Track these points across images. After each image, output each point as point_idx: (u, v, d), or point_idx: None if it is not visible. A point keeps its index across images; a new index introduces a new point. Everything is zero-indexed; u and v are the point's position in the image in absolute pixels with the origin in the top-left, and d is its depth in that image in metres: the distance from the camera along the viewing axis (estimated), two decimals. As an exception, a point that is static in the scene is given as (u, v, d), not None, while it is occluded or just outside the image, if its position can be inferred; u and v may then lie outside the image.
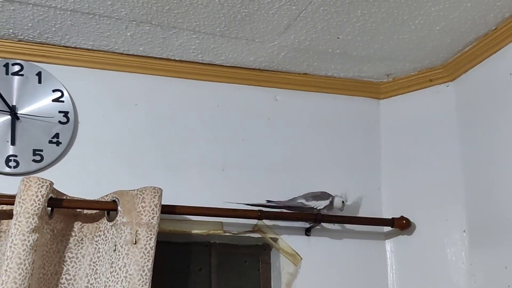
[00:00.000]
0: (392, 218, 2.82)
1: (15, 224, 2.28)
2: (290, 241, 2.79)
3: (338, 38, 2.65)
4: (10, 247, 2.26)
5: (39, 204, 2.31)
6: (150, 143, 2.75)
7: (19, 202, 2.30)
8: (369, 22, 2.54)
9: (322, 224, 2.80)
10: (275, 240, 2.79)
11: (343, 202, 2.76)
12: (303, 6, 2.43)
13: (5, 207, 2.39)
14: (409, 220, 2.83)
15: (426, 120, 2.93)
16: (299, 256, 2.78)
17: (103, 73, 2.76)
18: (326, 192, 2.77)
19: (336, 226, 2.84)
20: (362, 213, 2.87)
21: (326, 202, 2.73)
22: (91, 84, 2.73)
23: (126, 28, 2.57)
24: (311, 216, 2.75)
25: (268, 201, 2.73)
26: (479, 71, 2.74)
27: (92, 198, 2.50)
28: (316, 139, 2.96)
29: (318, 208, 2.72)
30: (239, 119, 2.89)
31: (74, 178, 2.61)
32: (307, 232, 2.82)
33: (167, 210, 2.51)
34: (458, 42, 2.69)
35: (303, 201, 2.73)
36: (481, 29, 2.60)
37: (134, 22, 2.52)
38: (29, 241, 2.27)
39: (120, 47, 2.70)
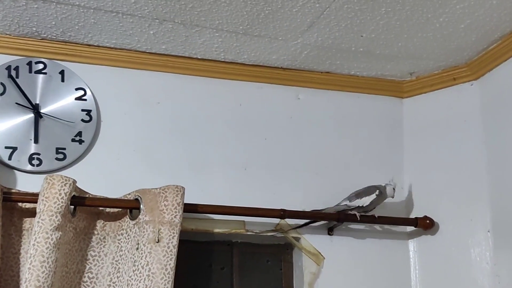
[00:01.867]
0: (416, 217, 2.81)
1: (38, 222, 2.29)
2: (312, 240, 2.78)
3: (362, 36, 2.63)
4: (34, 245, 2.26)
5: (62, 202, 2.31)
6: (172, 142, 2.75)
7: (42, 200, 2.31)
8: (393, 20, 2.52)
9: (345, 223, 2.78)
10: (297, 239, 2.78)
11: (393, 189, 2.74)
12: (327, 4, 2.41)
13: (28, 205, 2.40)
14: (432, 220, 2.80)
15: (450, 119, 2.91)
16: (322, 255, 2.77)
17: (125, 71, 2.76)
18: (370, 186, 2.74)
19: (359, 226, 2.83)
20: (385, 213, 2.84)
21: (372, 197, 2.70)
22: (113, 83, 2.74)
23: (149, 26, 2.56)
24: (334, 215, 2.73)
25: (315, 210, 2.73)
26: (504, 70, 2.71)
27: (114, 197, 2.50)
28: (339, 138, 2.95)
29: (364, 205, 2.70)
30: (262, 118, 2.88)
31: (97, 176, 2.61)
32: (330, 231, 2.81)
33: (189, 208, 2.51)
34: (483, 40, 2.67)
35: (347, 202, 2.71)
36: (507, 27, 2.58)
37: (157, 20, 2.52)
38: (52, 239, 2.28)
39: (142, 45, 2.70)
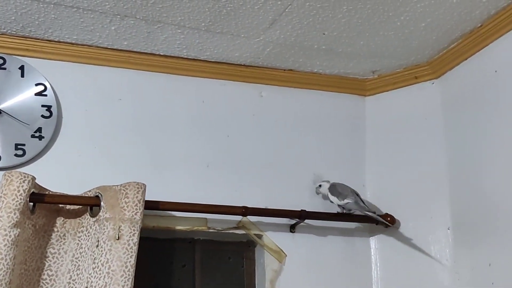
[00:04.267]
0: (377, 215, 2.82)
1: (-4, 219, 2.26)
2: (274, 237, 2.78)
3: (324, 34, 2.64)
4: (-9, 242, 2.24)
5: (20, 199, 2.29)
6: (134, 138, 2.74)
7: (0, 197, 2.28)
8: (355, 18, 2.53)
9: (306, 220, 2.79)
10: (260, 236, 2.78)
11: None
12: (288, 2, 2.41)
13: (-14, 202, 2.37)
14: (393, 217, 2.82)
15: (411, 117, 2.93)
16: (284, 252, 2.77)
17: (87, 67, 2.74)
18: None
19: (321, 223, 2.83)
20: (346, 210, 2.86)
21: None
22: (74, 78, 2.71)
23: (110, 22, 2.55)
24: (295, 212, 2.74)
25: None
26: (465, 68, 2.74)
27: (75, 194, 2.47)
28: (301, 136, 2.95)
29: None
30: (224, 115, 2.88)
31: (57, 173, 2.59)
32: (292, 228, 2.81)
33: (150, 205, 2.49)
34: (443, 39, 2.69)
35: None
36: (467, 26, 2.60)
37: (119, 16, 2.50)
38: (10, 236, 2.25)
39: (104, 41, 2.68)
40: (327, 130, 2.99)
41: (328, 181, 2.81)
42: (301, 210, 2.74)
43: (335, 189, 2.77)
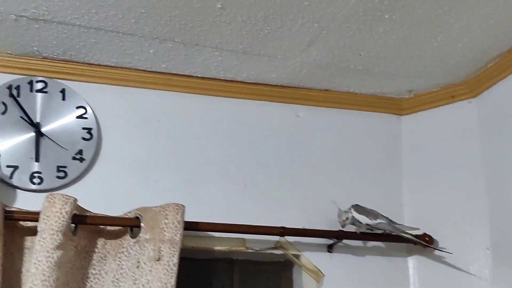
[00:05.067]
0: (415, 235, 2.81)
1: (39, 241, 2.29)
2: (312, 257, 2.79)
3: (360, 55, 2.65)
4: (35, 263, 2.27)
5: (63, 221, 2.32)
6: (172, 160, 2.76)
7: (44, 219, 2.32)
8: (392, 39, 2.54)
9: (344, 240, 2.79)
10: (297, 256, 2.78)
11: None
12: (325, 23, 2.43)
13: (29, 223, 2.40)
14: (431, 237, 2.81)
15: (448, 137, 2.92)
16: (321, 273, 2.77)
17: (126, 90, 2.78)
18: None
19: (358, 243, 2.83)
20: (384, 230, 2.86)
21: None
22: (114, 101, 2.75)
23: (149, 46, 2.58)
24: (333, 232, 2.74)
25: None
26: (502, 88, 2.73)
27: (115, 215, 2.51)
28: (338, 156, 2.96)
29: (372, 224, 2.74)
30: (261, 136, 2.89)
31: (97, 194, 2.62)
32: (329, 248, 2.82)
33: (189, 226, 2.51)
34: (480, 58, 2.69)
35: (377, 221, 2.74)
36: (504, 45, 2.60)
37: (157, 40, 2.54)
38: (53, 257, 2.28)
39: (143, 64, 2.72)
40: (363, 149, 3.00)
41: (348, 210, 2.76)
42: (339, 230, 2.74)
43: (361, 208, 2.75)
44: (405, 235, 2.74)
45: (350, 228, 2.77)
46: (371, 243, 2.85)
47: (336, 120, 3.00)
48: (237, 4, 2.32)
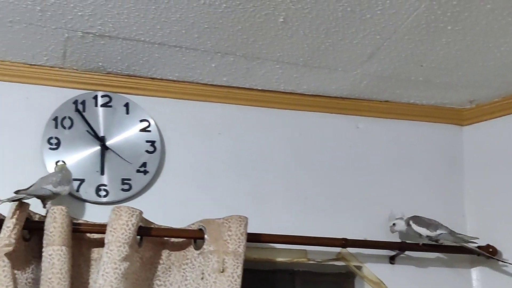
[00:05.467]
0: (478, 246, 2.78)
1: (106, 252, 2.34)
2: (374, 269, 2.78)
3: (422, 66, 2.65)
4: (102, 275, 2.31)
5: (129, 233, 2.36)
6: (234, 172, 2.79)
7: (110, 231, 2.36)
8: (454, 49, 2.53)
9: (406, 252, 2.78)
10: (359, 268, 2.78)
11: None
12: (387, 35, 2.44)
13: (95, 235, 2.45)
14: (495, 248, 2.78)
15: (510, 147, 2.89)
16: (384, 284, 2.76)
17: (187, 103, 2.81)
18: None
19: (421, 254, 2.82)
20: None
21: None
22: (176, 114, 2.79)
23: (211, 60, 2.62)
24: (395, 244, 2.73)
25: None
26: None
27: (178, 227, 2.54)
28: (399, 166, 2.96)
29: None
30: (321, 147, 2.90)
31: (161, 206, 2.65)
32: (391, 260, 2.81)
33: (252, 238, 2.53)
34: (544, 68, 2.67)
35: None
36: None
37: (219, 54, 2.57)
38: (120, 269, 2.32)
39: (204, 78, 2.76)
40: (424, 160, 2.98)
41: (401, 218, 2.76)
42: (401, 241, 2.74)
43: (421, 220, 2.74)
44: (467, 245, 2.71)
45: (413, 239, 2.76)
46: (434, 254, 2.84)
47: (396, 131, 2.99)
48: (299, 18, 2.34)
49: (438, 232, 2.71)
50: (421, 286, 2.82)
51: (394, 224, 2.75)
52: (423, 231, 2.72)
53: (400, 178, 2.94)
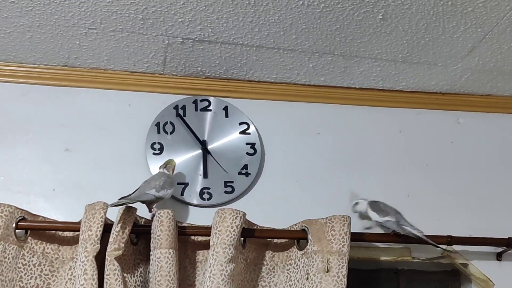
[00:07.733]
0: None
1: (212, 254, 2.36)
2: (480, 266, 2.72)
3: (525, 58, 2.59)
4: (209, 277, 2.34)
5: (234, 234, 2.38)
6: (333, 171, 2.78)
7: (215, 233, 2.39)
8: (560, 40, 2.47)
9: (515, 248, 2.72)
10: (465, 265, 2.73)
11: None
12: (489, 28, 2.39)
13: (200, 238, 2.49)
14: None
15: None
16: (491, 281, 2.70)
17: (285, 104, 2.83)
18: None
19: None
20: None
21: None
22: (274, 115, 2.81)
23: (308, 60, 2.62)
24: (503, 240, 2.67)
25: None
26: None
27: (280, 227, 2.55)
28: (502, 161, 2.89)
29: None
30: (422, 144, 2.87)
31: (263, 207, 2.67)
32: (498, 257, 2.75)
33: (355, 237, 2.51)
34: None
35: None
36: None
37: (317, 54, 2.57)
38: (226, 271, 2.35)
39: (301, 78, 2.76)
40: (529, 155, 2.92)
41: (365, 199, 2.66)
42: (509, 237, 2.67)
43: (376, 205, 2.63)
44: (412, 235, 2.56)
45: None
46: (543, 250, 2.76)
47: (499, 125, 2.93)
48: (399, 14, 2.32)
49: (386, 219, 2.59)
50: (531, 283, 2.75)
51: (357, 203, 2.66)
52: (373, 215, 2.61)
53: (504, 173, 2.88)
